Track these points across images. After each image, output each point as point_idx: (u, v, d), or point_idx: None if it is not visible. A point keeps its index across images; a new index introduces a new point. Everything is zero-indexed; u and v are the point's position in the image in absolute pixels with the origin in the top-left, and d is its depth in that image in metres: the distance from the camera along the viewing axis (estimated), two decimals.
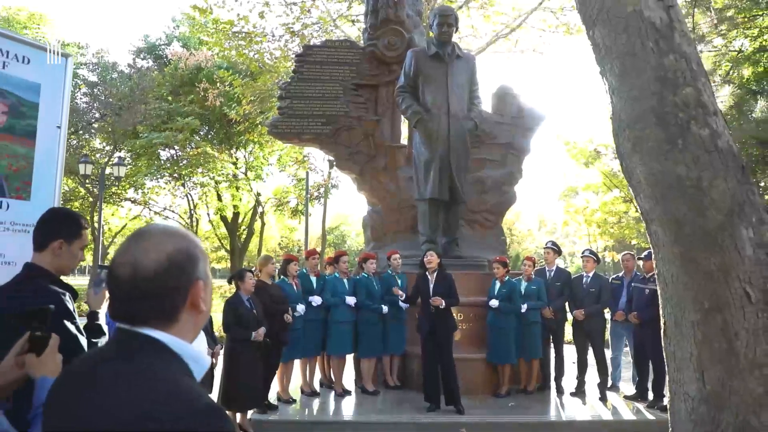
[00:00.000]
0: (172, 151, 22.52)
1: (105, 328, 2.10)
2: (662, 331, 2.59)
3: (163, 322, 1.03)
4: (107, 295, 2.03)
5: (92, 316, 2.09)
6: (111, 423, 0.93)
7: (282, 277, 6.78)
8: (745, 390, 2.24)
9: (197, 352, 1.06)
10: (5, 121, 2.75)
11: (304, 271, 7.16)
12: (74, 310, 1.93)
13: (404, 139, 9.57)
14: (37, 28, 22.34)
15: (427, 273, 6.40)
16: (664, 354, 2.62)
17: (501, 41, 15.95)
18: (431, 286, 6.31)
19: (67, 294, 1.95)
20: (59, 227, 2.04)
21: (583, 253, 7.65)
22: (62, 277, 2.08)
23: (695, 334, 2.37)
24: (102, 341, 2.03)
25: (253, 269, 6.48)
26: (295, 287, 6.69)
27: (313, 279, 7.08)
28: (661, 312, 2.61)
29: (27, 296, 1.80)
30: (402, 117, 8.79)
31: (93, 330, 2.03)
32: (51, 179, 2.97)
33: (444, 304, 6.14)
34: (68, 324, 1.82)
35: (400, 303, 6.88)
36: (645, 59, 2.45)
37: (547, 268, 7.58)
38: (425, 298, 6.27)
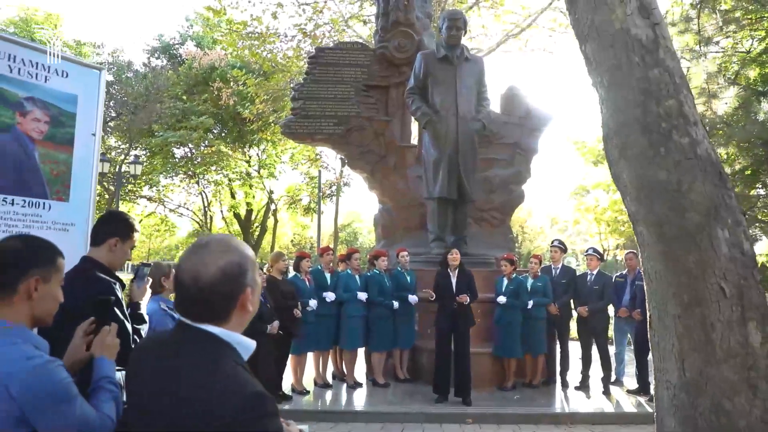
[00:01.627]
0: (187, 150, 22.87)
1: (146, 317, 2.38)
2: (648, 324, 2.80)
3: (217, 321, 1.24)
4: (148, 289, 2.33)
5: (134, 306, 2.37)
6: (173, 409, 1.12)
7: (295, 273, 7.03)
8: (720, 377, 2.44)
9: (243, 338, 1.27)
10: (47, 130, 3.03)
11: (319, 267, 7.40)
12: (122, 299, 2.20)
13: (414, 139, 9.77)
14: (53, 28, 22.72)
15: (449, 270, 6.59)
16: (650, 345, 2.83)
17: (511, 41, 16.08)
18: (454, 282, 6.49)
19: (117, 284, 2.22)
20: (117, 227, 2.33)
21: (587, 251, 7.82)
22: None
23: (677, 327, 2.58)
24: (143, 328, 2.31)
25: (262, 266, 6.69)
26: (307, 283, 6.94)
27: (327, 275, 7.32)
28: (647, 306, 2.82)
29: (78, 289, 2.04)
30: (412, 117, 9.00)
31: (135, 318, 2.31)
32: (87, 182, 3.25)
33: (468, 300, 6.37)
34: (117, 310, 2.09)
35: (416, 299, 7.03)
36: (631, 73, 2.65)
37: (552, 266, 7.77)
38: (447, 294, 6.44)
